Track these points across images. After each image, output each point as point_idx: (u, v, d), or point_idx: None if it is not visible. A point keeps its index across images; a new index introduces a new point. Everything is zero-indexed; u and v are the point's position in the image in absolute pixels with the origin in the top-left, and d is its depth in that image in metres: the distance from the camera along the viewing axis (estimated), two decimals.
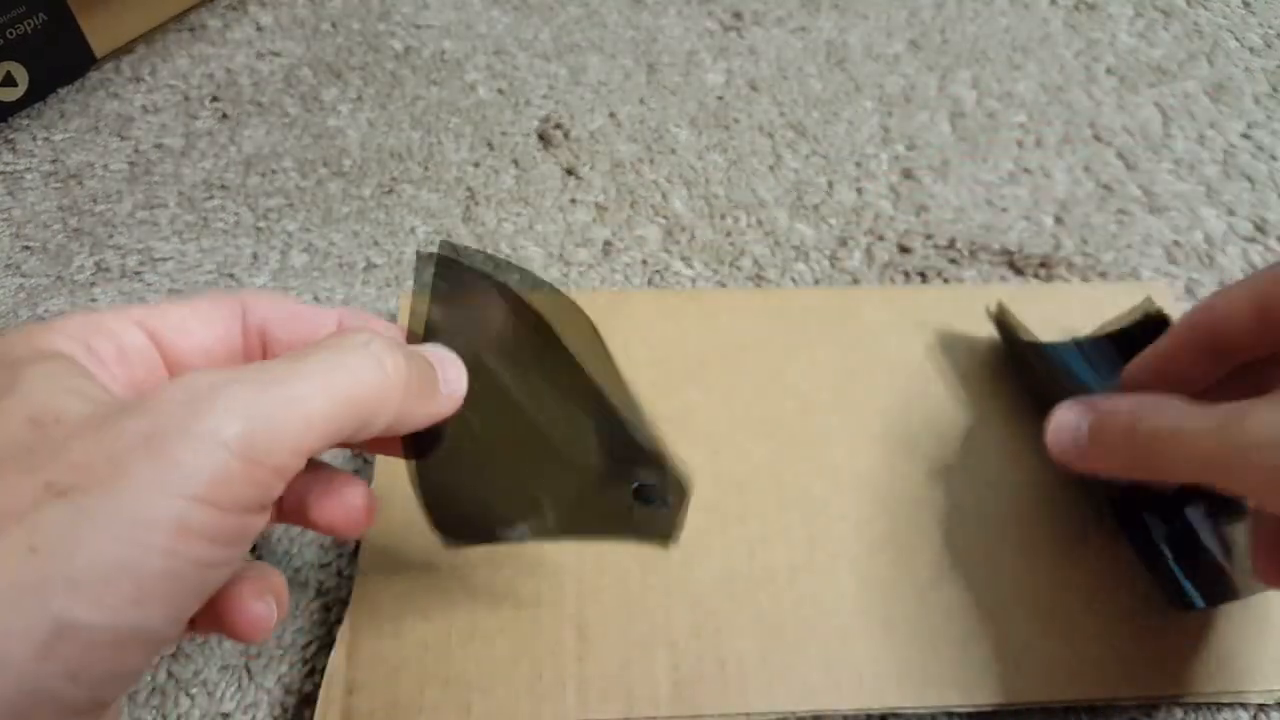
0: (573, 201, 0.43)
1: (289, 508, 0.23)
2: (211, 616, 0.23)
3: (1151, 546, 0.29)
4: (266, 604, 0.23)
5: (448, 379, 0.22)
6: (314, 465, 0.23)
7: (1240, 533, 0.29)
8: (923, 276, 0.40)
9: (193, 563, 0.17)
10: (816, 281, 0.40)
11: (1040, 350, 0.34)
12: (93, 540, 0.15)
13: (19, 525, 0.15)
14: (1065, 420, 0.28)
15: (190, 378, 0.18)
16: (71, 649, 0.15)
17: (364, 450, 0.25)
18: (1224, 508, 0.29)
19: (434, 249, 0.25)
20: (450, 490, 0.24)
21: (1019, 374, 0.35)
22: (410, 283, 0.40)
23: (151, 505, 0.16)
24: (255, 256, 0.41)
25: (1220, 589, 0.28)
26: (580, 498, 0.26)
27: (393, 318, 0.38)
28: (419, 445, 0.23)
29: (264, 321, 0.23)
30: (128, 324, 0.21)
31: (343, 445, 0.24)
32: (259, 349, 0.23)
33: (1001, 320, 0.35)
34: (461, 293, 0.25)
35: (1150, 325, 0.33)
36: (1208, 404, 0.24)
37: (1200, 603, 0.28)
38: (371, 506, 0.23)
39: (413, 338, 0.24)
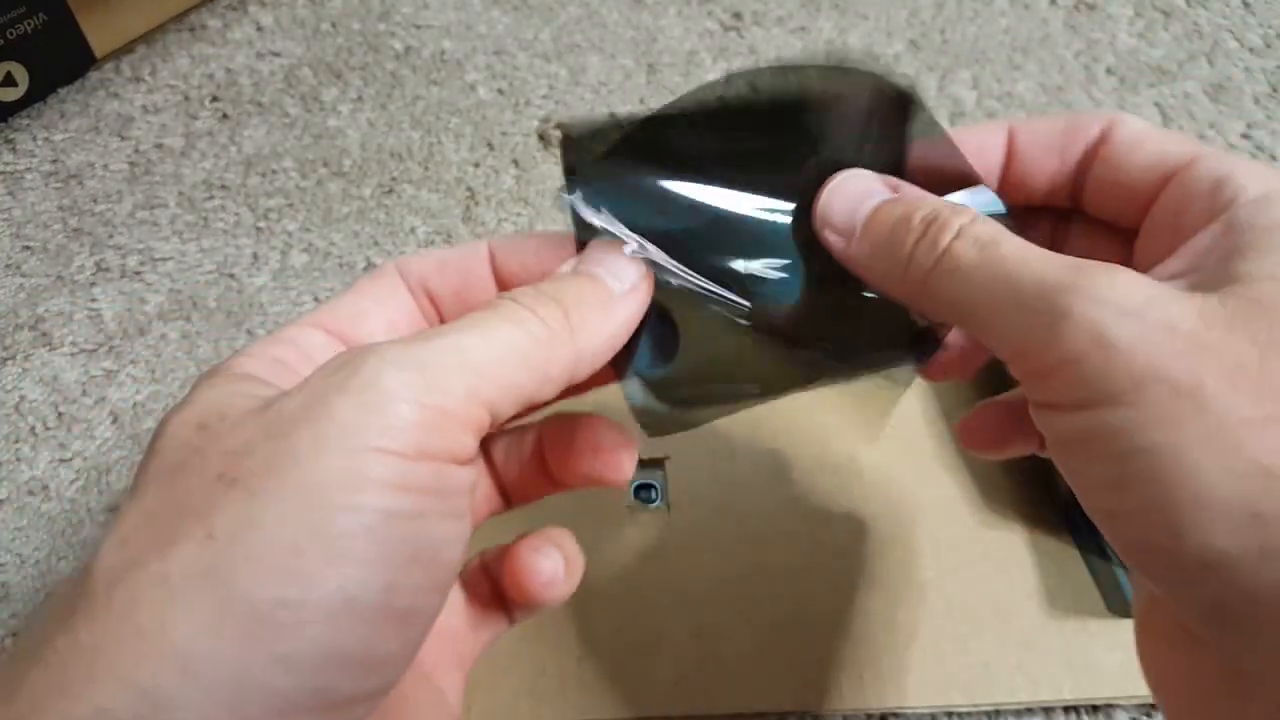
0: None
1: (555, 472, 0.22)
2: (501, 595, 0.22)
3: (1097, 551, 0.30)
4: (549, 557, 0.22)
5: (619, 277, 0.20)
6: (562, 417, 0.22)
7: None
8: None
9: (386, 515, 0.15)
10: None
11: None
12: (265, 515, 0.15)
13: (195, 520, 0.15)
14: (855, 184, 0.21)
15: (343, 351, 0.17)
16: (272, 630, 0.14)
17: (587, 390, 0.22)
18: None
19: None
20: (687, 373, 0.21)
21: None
22: None
23: (322, 467, 0.15)
24: (255, 256, 0.41)
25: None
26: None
27: None
28: (634, 361, 0.20)
29: (422, 277, 0.22)
30: (304, 329, 0.20)
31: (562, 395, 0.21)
32: (428, 304, 0.22)
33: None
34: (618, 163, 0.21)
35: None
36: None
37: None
38: (630, 445, 0.22)
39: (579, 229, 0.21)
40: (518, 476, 0.23)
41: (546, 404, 0.21)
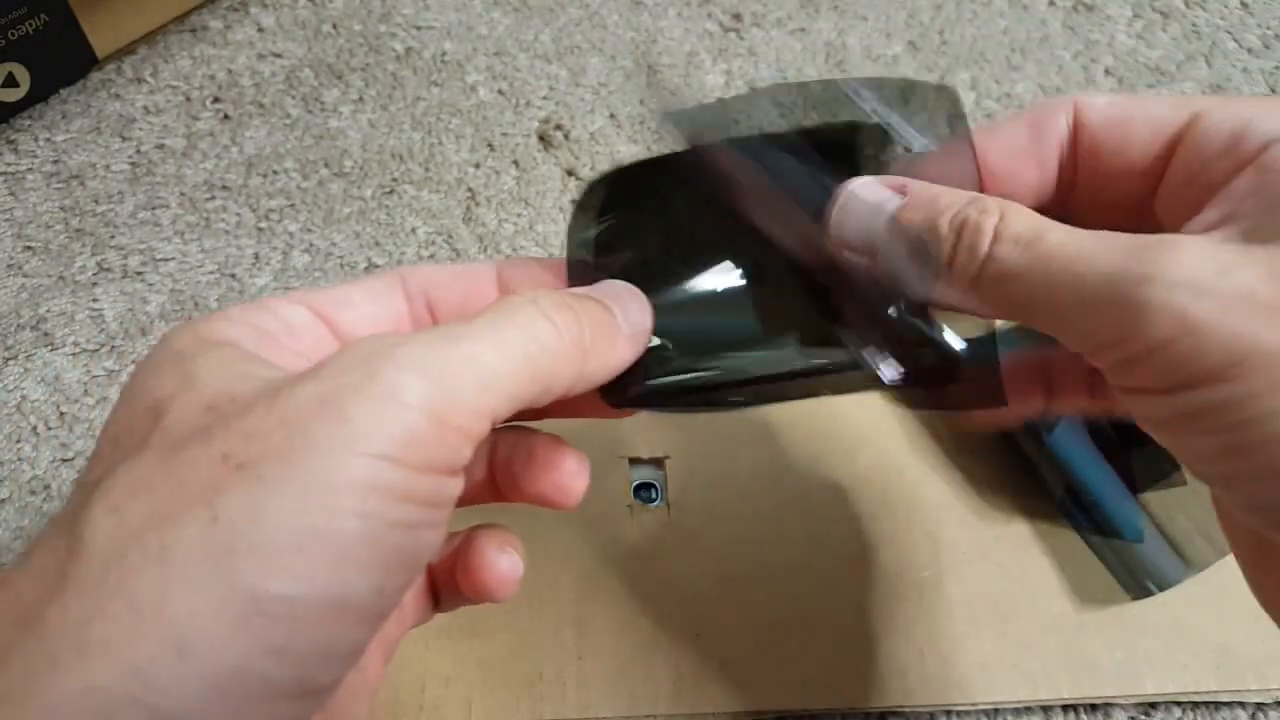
0: (573, 202, 0.43)
1: (501, 482, 0.23)
2: (455, 585, 0.23)
3: (1106, 536, 0.31)
4: (510, 557, 0.22)
5: (629, 319, 0.20)
6: (522, 432, 0.23)
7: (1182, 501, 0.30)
8: None
9: (389, 524, 0.16)
10: None
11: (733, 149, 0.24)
12: (276, 508, 0.15)
13: (199, 500, 0.15)
14: (863, 197, 0.20)
15: (361, 341, 0.17)
16: (271, 623, 0.14)
17: (560, 415, 0.23)
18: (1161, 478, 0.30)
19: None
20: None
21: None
22: None
23: (334, 467, 0.15)
24: (257, 257, 0.41)
25: (1175, 567, 0.29)
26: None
27: None
28: (620, 393, 0.21)
29: (425, 287, 0.22)
30: (289, 303, 0.20)
31: (533, 413, 0.21)
32: (425, 312, 0.22)
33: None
34: (635, 194, 0.23)
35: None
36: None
37: (1156, 588, 0.29)
38: (583, 472, 0.22)
39: (579, 269, 0.23)
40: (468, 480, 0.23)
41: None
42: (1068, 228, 0.18)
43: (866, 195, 0.21)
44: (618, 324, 0.20)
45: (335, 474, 0.15)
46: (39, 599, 0.15)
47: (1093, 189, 0.21)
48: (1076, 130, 0.21)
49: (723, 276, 0.22)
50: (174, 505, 0.15)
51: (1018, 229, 0.18)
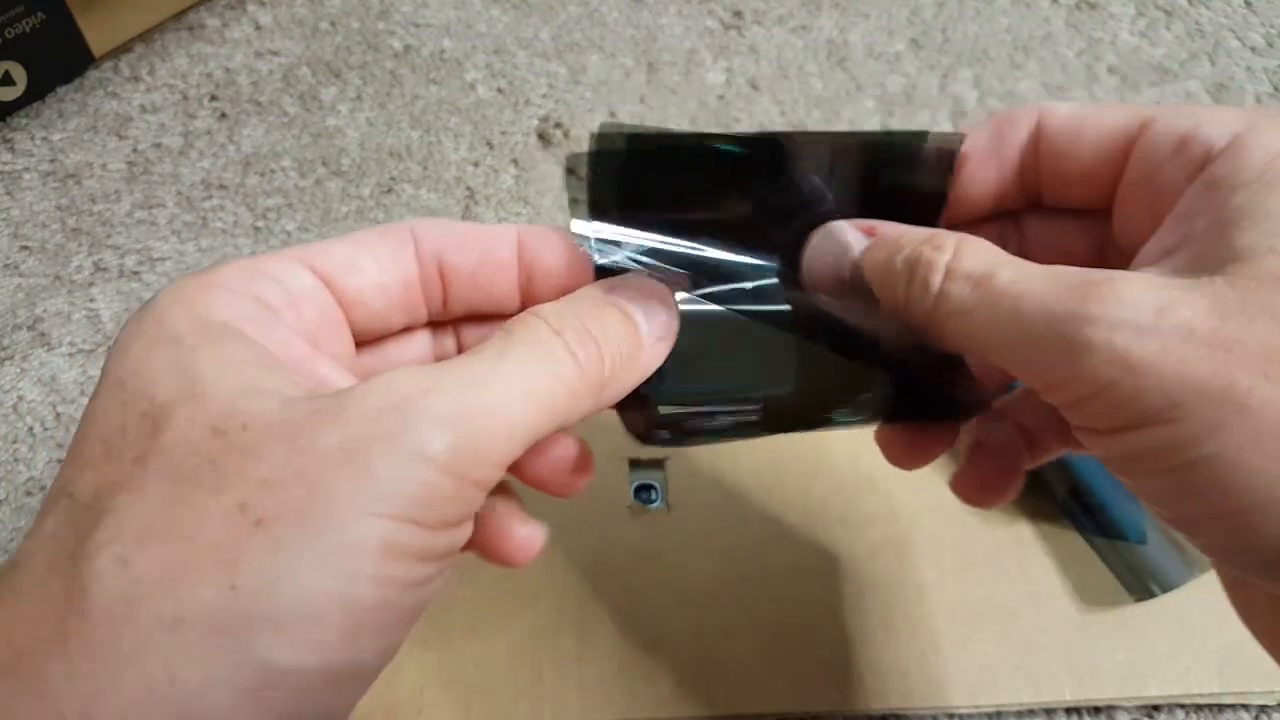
0: (573, 201, 0.43)
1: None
2: (475, 544, 0.21)
3: (1108, 537, 0.30)
4: (532, 526, 0.21)
5: (651, 328, 0.20)
6: None
7: None
8: None
9: (404, 586, 0.15)
10: None
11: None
12: (296, 575, 0.14)
13: (215, 562, 0.14)
14: (834, 239, 0.21)
15: (388, 382, 0.16)
16: (282, 695, 0.14)
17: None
18: None
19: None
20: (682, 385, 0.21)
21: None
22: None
23: (355, 530, 0.15)
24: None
25: (1179, 569, 0.29)
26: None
27: None
28: (632, 402, 0.20)
29: (438, 248, 0.21)
30: (292, 265, 0.19)
31: None
32: (436, 277, 0.21)
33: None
34: (639, 169, 0.22)
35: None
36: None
37: (1159, 590, 0.29)
38: (581, 460, 0.21)
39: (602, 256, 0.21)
40: None
41: None
42: (1021, 264, 0.18)
43: (837, 237, 0.21)
44: (640, 338, 0.19)
45: (355, 537, 0.15)
46: (36, 648, 0.14)
47: (1058, 198, 0.22)
48: (1039, 136, 0.21)
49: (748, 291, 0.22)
50: (189, 565, 0.14)
51: (970, 266, 0.18)
